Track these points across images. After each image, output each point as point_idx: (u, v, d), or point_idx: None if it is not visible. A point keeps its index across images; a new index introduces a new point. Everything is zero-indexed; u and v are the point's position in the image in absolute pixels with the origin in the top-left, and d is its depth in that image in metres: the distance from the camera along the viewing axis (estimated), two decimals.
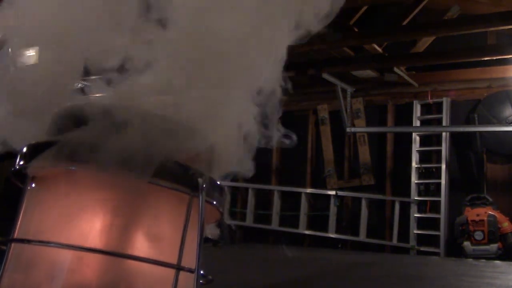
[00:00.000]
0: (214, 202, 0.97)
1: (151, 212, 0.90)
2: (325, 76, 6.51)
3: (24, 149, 0.92)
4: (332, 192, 7.52)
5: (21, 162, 0.92)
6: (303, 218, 7.66)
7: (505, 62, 6.08)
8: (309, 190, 7.81)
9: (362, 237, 7.20)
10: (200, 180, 0.91)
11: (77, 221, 0.87)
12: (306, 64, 6.74)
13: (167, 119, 0.96)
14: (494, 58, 5.83)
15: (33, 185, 0.93)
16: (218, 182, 0.99)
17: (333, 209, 7.44)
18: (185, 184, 0.91)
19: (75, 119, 0.92)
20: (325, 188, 7.72)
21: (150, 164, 0.86)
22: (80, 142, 0.87)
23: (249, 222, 8.03)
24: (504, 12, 4.93)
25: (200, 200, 0.90)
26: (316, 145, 8.02)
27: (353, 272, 4.07)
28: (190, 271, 0.89)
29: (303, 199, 7.71)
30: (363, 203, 7.25)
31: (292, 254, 5.67)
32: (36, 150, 0.89)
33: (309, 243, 7.80)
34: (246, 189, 8.22)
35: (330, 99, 7.54)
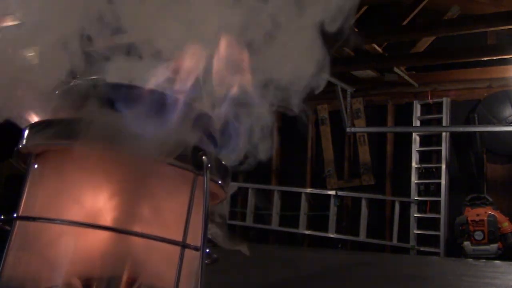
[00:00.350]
0: (219, 182, 0.96)
1: (156, 190, 0.90)
2: (325, 76, 6.51)
3: (26, 129, 0.92)
4: (332, 192, 7.52)
5: (23, 142, 0.92)
6: (303, 218, 7.66)
7: (505, 62, 6.08)
8: (309, 190, 7.81)
9: (362, 237, 7.20)
10: (205, 158, 0.90)
11: (81, 199, 0.87)
12: None
13: (176, 99, 0.95)
14: (494, 58, 5.83)
15: (36, 165, 0.92)
16: (223, 162, 0.98)
17: (333, 209, 7.45)
18: (190, 162, 0.90)
19: (83, 96, 0.91)
20: (325, 188, 7.73)
21: (160, 143, 0.86)
22: (83, 119, 0.86)
23: (249, 222, 8.04)
24: (504, 12, 4.93)
25: (205, 178, 0.90)
26: (316, 145, 8.03)
27: (353, 272, 4.07)
28: (196, 248, 0.89)
29: (303, 199, 7.71)
30: (363, 203, 7.25)
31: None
32: (38, 129, 0.89)
33: (309, 243, 7.80)
34: (246, 189, 8.23)
35: (330, 99, 7.54)
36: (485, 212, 6.21)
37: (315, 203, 7.89)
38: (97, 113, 0.88)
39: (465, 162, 6.96)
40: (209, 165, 0.90)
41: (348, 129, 6.94)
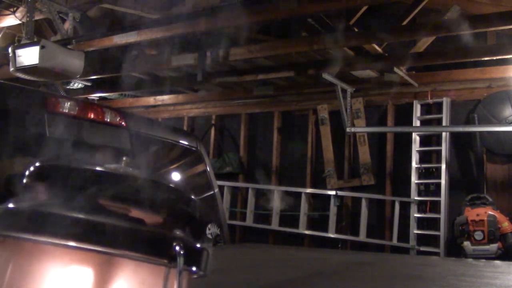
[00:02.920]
0: (194, 269, 0.85)
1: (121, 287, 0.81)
2: (325, 76, 6.52)
3: None
4: (332, 192, 7.52)
5: None
6: (303, 218, 7.66)
7: (505, 62, 6.08)
8: (309, 190, 7.81)
9: (362, 237, 7.20)
10: (178, 247, 0.80)
11: None
12: (306, 64, 6.74)
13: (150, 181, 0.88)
14: (494, 58, 5.83)
15: (2, 246, 0.84)
16: (199, 245, 0.88)
17: (333, 209, 7.44)
18: (160, 254, 0.80)
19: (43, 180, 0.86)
20: (325, 188, 7.73)
21: (118, 235, 0.78)
22: (33, 208, 0.80)
23: (249, 222, 8.03)
24: (504, 12, 4.93)
25: (178, 271, 0.80)
26: (316, 145, 8.03)
27: (353, 272, 4.07)
28: None
29: (303, 199, 7.71)
30: (363, 203, 7.25)
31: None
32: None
33: (309, 243, 7.80)
34: (246, 189, 8.23)
35: (330, 99, 7.54)
36: (485, 212, 6.20)
37: (315, 203, 7.89)
38: (63, 204, 0.82)
39: (465, 162, 6.96)
40: (182, 253, 0.81)
41: (348, 129, 6.93)
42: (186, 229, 0.90)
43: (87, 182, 0.85)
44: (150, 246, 0.80)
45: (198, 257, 0.86)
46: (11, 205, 0.83)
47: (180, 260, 0.80)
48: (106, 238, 0.78)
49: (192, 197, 0.96)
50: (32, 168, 0.90)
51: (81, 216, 0.79)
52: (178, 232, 0.86)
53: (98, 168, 0.88)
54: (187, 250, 0.82)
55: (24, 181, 0.90)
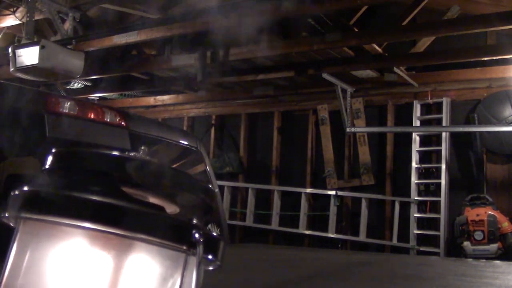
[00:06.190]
0: (210, 257, 0.86)
1: (139, 273, 0.82)
2: (325, 76, 6.52)
3: (11, 195, 0.86)
4: (332, 192, 7.52)
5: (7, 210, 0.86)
6: (303, 218, 7.66)
7: (505, 62, 6.08)
8: (309, 190, 7.81)
9: (362, 237, 7.20)
10: (197, 235, 0.81)
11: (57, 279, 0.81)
12: (306, 64, 6.74)
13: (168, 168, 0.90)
14: (494, 58, 5.83)
15: (22, 228, 0.85)
16: (215, 234, 0.89)
17: (333, 209, 7.44)
18: (180, 241, 0.81)
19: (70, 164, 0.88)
20: (325, 188, 7.73)
21: (137, 217, 0.79)
22: (53, 191, 0.81)
23: (249, 222, 8.03)
24: (504, 12, 4.93)
25: (198, 258, 0.81)
26: (316, 145, 8.03)
27: (353, 272, 4.06)
28: None
29: (303, 199, 7.71)
30: (363, 203, 7.25)
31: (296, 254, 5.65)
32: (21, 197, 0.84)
33: (309, 243, 7.80)
34: (246, 189, 8.23)
35: (330, 99, 7.54)
36: (485, 212, 6.21)
37: (315, 203, 7.89)
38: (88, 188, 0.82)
39: (465, 162, 6.96)
40: (202, 245, 0.81)
41: (348, 129, 6.93)
42: (203, 218, 0.91)
43: (107, 167, 0.86)
44: (170, 232, 0.80)
45: (215, 246, 0.87)
46: (31, 188, 0.84)
47: (200, 248, 0.81)
48: (127, 222, 0.78)
49: (210, 186, 0.97)
50: (53, 152, 0.91)
51: (101, 199, 0.80)
52: (196, 221, 0.87)
53: (119, 154, 0.89)
54: (205, 238, 0.83)
55: (45, 165, 0.90)
